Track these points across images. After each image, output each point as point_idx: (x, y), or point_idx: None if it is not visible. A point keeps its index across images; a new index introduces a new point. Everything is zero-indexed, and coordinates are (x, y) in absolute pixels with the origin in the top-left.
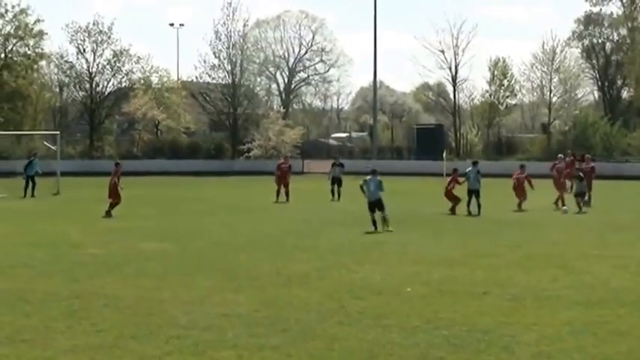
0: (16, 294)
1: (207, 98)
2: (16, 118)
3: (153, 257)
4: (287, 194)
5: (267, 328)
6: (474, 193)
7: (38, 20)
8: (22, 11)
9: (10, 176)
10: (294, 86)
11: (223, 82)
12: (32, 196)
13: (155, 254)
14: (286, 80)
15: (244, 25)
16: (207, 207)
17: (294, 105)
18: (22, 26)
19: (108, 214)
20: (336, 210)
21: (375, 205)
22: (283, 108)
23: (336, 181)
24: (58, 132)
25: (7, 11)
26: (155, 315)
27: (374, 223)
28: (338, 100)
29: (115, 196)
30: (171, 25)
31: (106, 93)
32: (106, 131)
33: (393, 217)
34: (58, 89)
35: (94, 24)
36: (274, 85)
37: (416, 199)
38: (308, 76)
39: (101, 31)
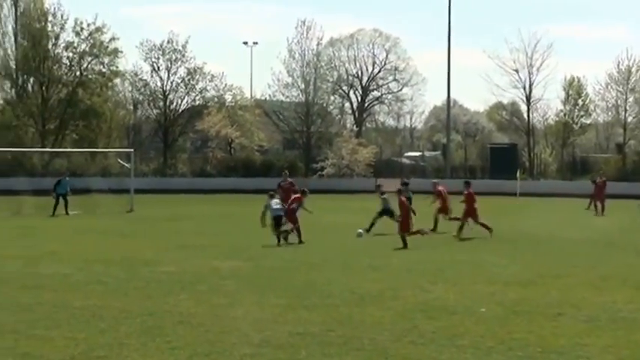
0: (90, 311)
1: (281, 116)
2: (91, 135)
3: (226, 275)
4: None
5: (341, 347)
6: (388, 212)
7: (113, 38)
8: (98, 29)
9: (84, 193)
10: (368, 105)
11: (297, 101)
12: (66, 214)
13: (228, 272)
14: (359, 99)
15: (318, 44)
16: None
17: (367, 124)
18: (97, 44)
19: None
20: None
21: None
22: (356, 127)
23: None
24: (132, 149)
25: (82, 29)
26: (228, 333)
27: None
28: (411, 118)
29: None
30: (245, 43)
31: (180, 111)
32: (180, 149)
33: (466, 236)
34: (132, 107)
35: (168, 42)
36: (347, 104)
37: (489, 219)
38: (381, 94)
39: (175, 49)
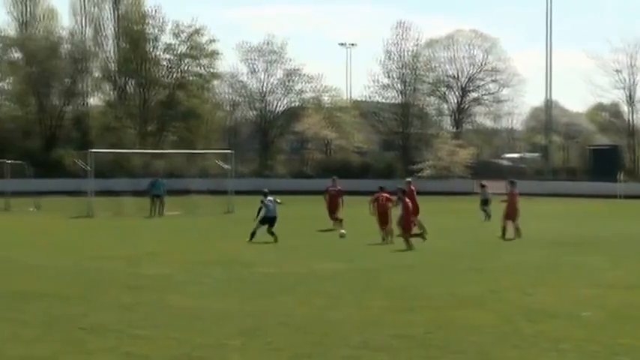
0: (191, 311)
1: (379, 117)
2: (190, 136)
3: (325, 276)
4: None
5: (442, 350)
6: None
7: (212, 40)
8: (196, 31)
9: (183, 194)
10: (466, 106)
11: (394, 102)
12: (160, 215)
13: (327, 273)
14: (458, 100)
15: (416, 45)
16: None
17: (465, 125)
18: (196, 46)
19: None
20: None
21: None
22: (455, 128)
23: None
24: (230, 151)
25: (181, 31)
26: (328, 334)
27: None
28: (510, 120)
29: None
30: (342, 44)
31: (278, 112)
32: (278, 150)
33: (567, 239)
34: (230, 108)
35: (266, 44)
36: (445, 105)
37: (590, 222)
38: (480, 95)
39: (273, 51)
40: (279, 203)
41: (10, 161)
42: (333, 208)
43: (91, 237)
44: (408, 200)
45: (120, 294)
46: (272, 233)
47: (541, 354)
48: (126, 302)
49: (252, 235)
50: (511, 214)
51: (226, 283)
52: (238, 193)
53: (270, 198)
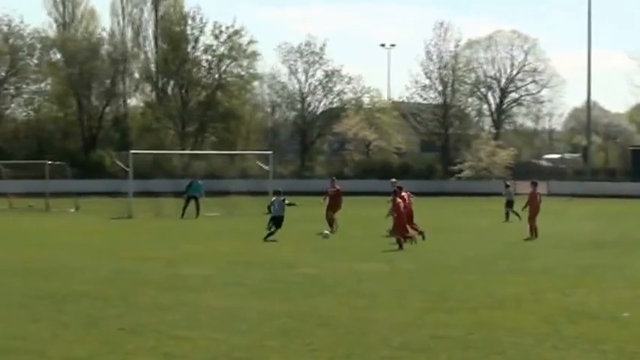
0: (231, 312)
1: (418, 118)
2: (230, 138)
3: (365, 277)
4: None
5: (481, 351)
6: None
7: (251, 41)
8: (236, 32)
9: (223, 195)
10: (506, 107)
11: (434, 103)
12: (197, 216)
13: (367, 274)
14: (498, 101)
15: (456, 46)
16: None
17: (505, 126)
18: (236, 47)
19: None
20: (547, 232)
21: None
22: (495, 128)
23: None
24: (270, 152)
25: (221, 32)
26: (368, 335)
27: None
28: (550, 120)
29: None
30: (383, 45)
31: (318, 113)
32: (317, 151)
33: (607, 240)
34: (270, 109)
35: (306, 45)
36: (485, 106)
37: (630, 222)
38: (520, 96)
39: (313, 52)
40: (288, 204)
41: (50, 162)
42: (332, 209)
43: (131, 238)
44: (399, 201)
45: (159, 295)
46: (271, 232)
47: (581, 355)
48: (165, 303)
49: (268, 235)
50: (535, 213)
51: (266, 283)
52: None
53: (280, 198)
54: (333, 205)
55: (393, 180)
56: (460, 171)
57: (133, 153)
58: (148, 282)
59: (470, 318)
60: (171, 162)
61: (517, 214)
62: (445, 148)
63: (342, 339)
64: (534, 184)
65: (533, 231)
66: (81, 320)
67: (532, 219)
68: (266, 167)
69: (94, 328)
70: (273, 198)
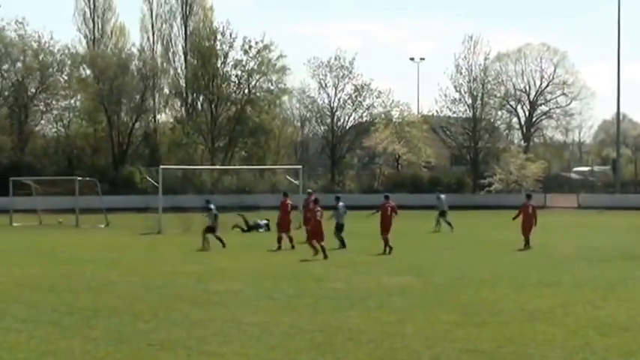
0: (261, 326)
1: (448, 132)
2: (259, 152)
3: (395, 291)
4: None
5: None
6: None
7: (281, 56)
8: (266, 47)
9: (253, 210)
10: (535, 120)
11: (464, 116)
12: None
13: (397, 288)
14: (527, 113)
15: (485, 59)
16: (448, 241)
17: (535, 139)
18: (265, 62)
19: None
20: (578, 245)
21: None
22: (524, 142)
23: None
24: (300, 166)
25: (251, 47)
26: (398, 350)
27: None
28: (580, 133)
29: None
30: (412, 59)
31: (347, 127)
32: (347, 165)
33: (637, 253)
34: (299, 124)
35: (335, 59)
36: (515, 119)
37: None
38: (549, 109)
39: (342, 66)
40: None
41: (80, 178)
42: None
43: (160, 253)
44: (318, 209)
45: (189, 310)
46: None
47: None
48: (195, 318)
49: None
50: (528, 226)
51: (296, 298)
52: None
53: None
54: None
55: (309, 190)
56: (490, 184)
57: (163, 168)
58: (178, 297)
59: (500, 331)
60: (201, 177)
61: (450, 224)
62: (475, 162)
63: (372, 353)
64: (528, 197)
65: (527, 242)
66: (111, 336)
67: (525, 231)
68: (295, 181)
69: (124, 343)
70: (340, 204)
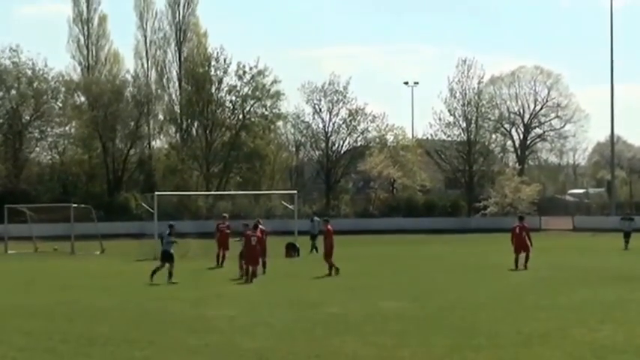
0: (257, 353)
1: (443, 156)
2: (254, 177)
3: (391, 316)
4: (223, 259)
5: None
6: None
7: (275, 81)
8: (260, 72)
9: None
10: (530, 142)
11: (458, 140)
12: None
13: (393, 313)
14: (521, 136)
15: (479, 82)
16: (443, 265)
17: (529, 161)
18: (260, 87)
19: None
20: (573, 267)
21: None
22: (519, 164)
23: None
24: (295, 191)
25: (245, 72)
26: None
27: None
28: (574, 155)
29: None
30: (406, 83)
31: (342, 152)
32: (342, 190)
33: (633, 275)
34: (294, 149)
35: (329, 84)
36: (509, 142)
37: None
38: (543, 132)
39: (337, 91)
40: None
41: (75, 205)
42: (222, 245)
43: (156, 280)
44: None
45: (186, 336)
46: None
47: None
48: (192, 344)
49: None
50: (517, 246)
51: (293, 323)
52: (303, 233)
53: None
54: (224, 241)
55: (225, 215)
56: (485, 207)
57: (158, 194)
58: (174, 323)
59: (497, 355)
60: (196, 203)
61: (316, 249)
62: (470, 185)
63: None
64: (520, 219)
65: (515, 263)
66: None
67: (515, 252)
68: (291, 206)
69: None
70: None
